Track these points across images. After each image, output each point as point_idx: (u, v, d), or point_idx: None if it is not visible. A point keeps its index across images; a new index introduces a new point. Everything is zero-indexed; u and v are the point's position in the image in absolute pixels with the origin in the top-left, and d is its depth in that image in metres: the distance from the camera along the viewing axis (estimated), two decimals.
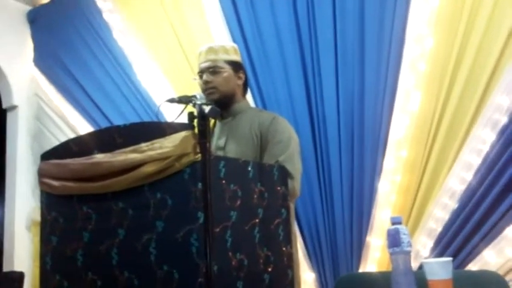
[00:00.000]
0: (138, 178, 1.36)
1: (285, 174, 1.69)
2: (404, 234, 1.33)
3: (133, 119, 3.41)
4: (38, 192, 3.92)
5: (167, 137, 1.36)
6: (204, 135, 1.32)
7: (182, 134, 1.34)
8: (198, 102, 1.42)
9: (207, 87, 1.98)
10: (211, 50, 2.03)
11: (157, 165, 1.34)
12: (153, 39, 3.43)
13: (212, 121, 2.11)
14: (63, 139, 3.72)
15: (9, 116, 4.05)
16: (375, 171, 2.52)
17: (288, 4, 2.82)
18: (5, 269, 3.72)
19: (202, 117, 1.33)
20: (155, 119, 3.30)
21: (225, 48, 2.07)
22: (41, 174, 1.60)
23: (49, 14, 4.03)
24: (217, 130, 2.07)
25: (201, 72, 2.02)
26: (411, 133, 2.48)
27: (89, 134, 1.58)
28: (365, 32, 2.62)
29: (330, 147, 2.61)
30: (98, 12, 3.70)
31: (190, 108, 1.52)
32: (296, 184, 1.86)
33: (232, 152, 1.93)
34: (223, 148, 1.97)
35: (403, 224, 1.37)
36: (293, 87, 2.77)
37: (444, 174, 2.38)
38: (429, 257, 2.31)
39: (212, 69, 2.00)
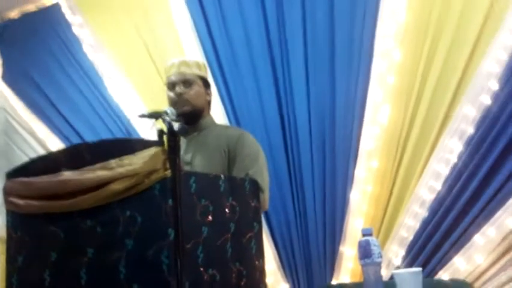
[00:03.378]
0: (107, 196, 1.34)
1: (256, 187, 1.69)
2: (375, 245, 1.35)
3: (104, 134, 3.37)
4: (3, 210, 3.84)
5: (136, 154, 1.35)
6: (173, 151, 1.32)
7: (152, 150, 1.33)
8: (168, 118, 1.41)
9: (179, 99, 1.97)
10: (184, 63, 2.03)
11: (126, 182, 1.32)
12: (123, 53, 3.40)
13: None
14: (32, 155, 3.67)
15: None
16: (347, 181, 2.55)
17: (258, 15, 2.85)
18: None
19: (172, 133, 1.33)
20: (126, 134, 3.27)
21: (198, 63, 2.09)
22: (7, 192, 1.56)
23: (18, 28, 3.94)
24: (183, 145, 2.06)
25: (173, 84, 2.01)
26: (382, 144, 2.52)
27: (58, 151, 1.56)
28: (335, 46, 2.67)
29: (302, 157, 2.64)
30: (68, 26, 3.65)
31: (160, 123, 1.52)
32: (266, 197, 1.87)
33: (199, 166, 1.92)
34: (190, 163, 1.96)
35: (374, 235, 1.38)
36: (264, 98, 2.79)
37: (414, 183, 2.43)
38: (401, 265, 2.35)
39: (184, 82, 1.99)
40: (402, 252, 2.36)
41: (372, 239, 1.35)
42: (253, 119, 2.75)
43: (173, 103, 1.97)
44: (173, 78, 2.01)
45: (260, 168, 1.90)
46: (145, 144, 1.36)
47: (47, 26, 3.74)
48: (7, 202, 1.56)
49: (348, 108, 2.60)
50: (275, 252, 2.60)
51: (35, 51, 3.80)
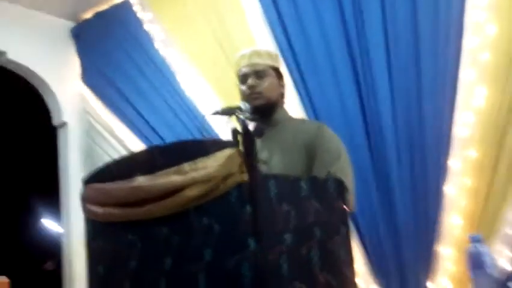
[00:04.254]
0: (181, 202, 1.25)
1: (341, 187, 1.54)
2: (487, 254, 1.15)
3: (180, 130, 3.35)
4: None
5: (210, 156, 1.24)
6: (250, 152, 1.20)
7: (227, 152, 1.22)
8: (242, 115, 1.29)
9: (252, 92, 1.84)
10: (256, 53, 1.90)
11: (200, 188, 1.22)
12: (194, 47, 3.35)
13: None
14: (114, 155, 3.74)
15: (60, 133, 4.09)
16: (439, 173, 2.32)
17: (333, 3, 2.66)
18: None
19: (247, 133, 1.20)
20: (201, 130, 3.22)
21: (270, 53, 1.95)
22: (85, 199, 1.52)
23: (92, 29, 4.04)
24: (258, 142, 1.93)
25: (244, 76, 1.89)
26: (478, 131, 2.26)
27: (130, 156, 1.50)
28: (419, 23, 2.42)
29: (387, 150, 2.42)
30: (139, 23, 3.67)
31: (234, 120, 1.40)
32: (352, 196, 1.70)
33: (278, 165, 1.79)
34: (267, 162, 1.82)
35: (473, 232, 1.19)
36: (343, 87, 2.60)
37: None
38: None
39: (257, 74, 1.86)
40: (508, 253, 2.10)
41: (482, 247, 1.16)
42: (332, 111, 2.58)
43: (245, 97, 1.85)
44: (244, 70, 1.88)
45: (343, 164, 1.74)
46: (220, 145, 1.25)
47: (119, 24, 3.80)
48: (86, 210, 1.52)
49: (437, 92, 2.35)
50: (364, 254, 2.43)
51: (109, 50, 3.87)
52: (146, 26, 3.62)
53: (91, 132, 3.96)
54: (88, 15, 4.13)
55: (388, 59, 2.48)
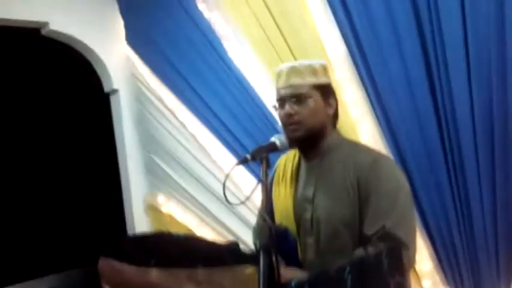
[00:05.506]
0: None
1: (398, 254, 1.28)
2: None
3: (229, 102, 3.11)
4: (150, 177, 3.93)
5: (227, 269, 1.03)
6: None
7: (245, 270, 1.01)
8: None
9: (290, 122, 1.57)
10: (294, 71, 1.58)
11: None
12: (238, 5, 2.95)
13: (294, 158, 1.70)
14: (166, 124, 3.60)
15: (113, 100, 3.99)
16: None
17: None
18: None
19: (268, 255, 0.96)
20: (248, 99, 2.95)
21: (313, 68, 1.59)
22: (101, 274, 1.38)
23: None
24: (303, 173, 1.66)
25: (281, 100, 1.60)
26: None
27: (147, 237, 1.34)
28: (506, 27, 1.89)
29: (463, 151, 2.04)
30: None
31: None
32: (413, 253, 1.43)
33: (323, 208, 1.54)
34: (311, 201, 1.57)
35: None
36: (415, 88, 2.17)
37: None
38: None
39: (296, 98, 1.56)
40: None
41: None
42: (404, 116, 2.21)
43: (283, 125, 1.57)
44: (281, 92, 1.59)
45: (401, 213, 1.45)
46: (237, 256, 1.03)
47: None
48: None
49: None
50: (437, 264, 2.18)
51: (153, 9, 3.57)
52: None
53: (141, 99, 3.81)
54: None
55: (466, 53, 2.00)
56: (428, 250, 2.23)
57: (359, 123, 2.37)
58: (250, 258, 1.04)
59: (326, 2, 2.44)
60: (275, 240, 1.07)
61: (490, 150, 1.96)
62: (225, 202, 1.44)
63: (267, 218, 1.12)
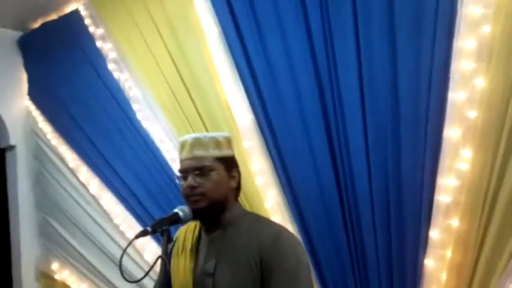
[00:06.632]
0: None
1: None
2: None
3: (136, 164, 3.02)
4: (44, 241, 3.64)
5: None
6: None
7: None
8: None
9: (192, 193, 1.54)
10: (198, 142, 1.57)
11: None
12: (149, 69, 2.96)
13: (194, 229, 1.68)
14: (64, 184, 3.41)
15: (8, 157, 3.72)
16: (418, 244, 2.05)
17: (303, 39, 2.31)
18: None
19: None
20: (154, 161, 2.90)
21: (217, 140, 1.59)
22: None
23: (41, 39, 3.60)
24: (203, 246, 1.62)
25: (184, 172, 1.57)
26: (463, 199, 1.98)
27: None
28: (398, 73, 2.09)
29: (361, 215, 2.15)
30: (91, 39, 3.25)
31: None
32: None
33: (224, 283, 1.49)
34: (212, 275, 1.53)
35: None
36: (314, 141, 2.29)
37: (509, 250, 1.88)
38: None
39: (200, 170, 1.54)
40: None
41: None
42: (308, 184, 2.30)
43: (185, 197, 1.54)
44: (185, 164, 1.57)
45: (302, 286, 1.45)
46: None
47: (70, 37, 3.36)
48: None
49: (418, 152, 2.05)
50: None
51: (59, 65, 3.46)
52: (98, 44, 3.20)
53: (39, 156, 3.60)
54: (36, 24, 3.69)
55: (363, 110, 2.17)
56: None
57: (264, 192, 2.41)
58: None
59: (236, 72, 2.52)
60: None
61: (386, 212, 2.08)
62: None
63: None
